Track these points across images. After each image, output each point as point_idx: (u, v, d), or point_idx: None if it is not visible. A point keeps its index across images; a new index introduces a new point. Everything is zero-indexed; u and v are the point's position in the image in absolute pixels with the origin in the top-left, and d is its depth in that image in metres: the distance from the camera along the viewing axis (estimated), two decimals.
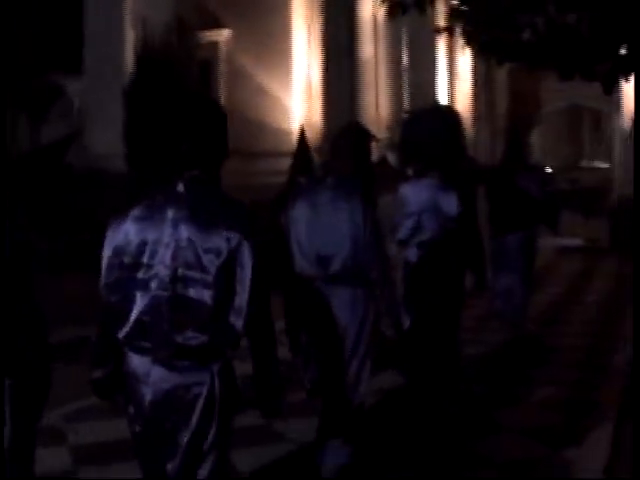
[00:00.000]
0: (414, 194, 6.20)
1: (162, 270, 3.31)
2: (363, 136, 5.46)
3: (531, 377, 8.26)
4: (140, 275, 3.34)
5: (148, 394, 3.34)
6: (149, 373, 3.34)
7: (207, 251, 3.28)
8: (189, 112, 3.50)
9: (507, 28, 5.39)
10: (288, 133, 22.24)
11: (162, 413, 3.36)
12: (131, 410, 3.44)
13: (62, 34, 17.17)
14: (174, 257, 3.30)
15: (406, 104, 20.44)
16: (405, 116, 20.25)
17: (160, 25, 16.53)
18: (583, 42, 5.30)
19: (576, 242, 19.42)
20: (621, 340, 9.80)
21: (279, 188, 8.96)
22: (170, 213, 3.35)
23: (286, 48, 22.27)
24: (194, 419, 3.35)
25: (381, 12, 21.03)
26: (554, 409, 7.18)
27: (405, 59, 20.28)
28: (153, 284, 3.31)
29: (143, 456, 3.50)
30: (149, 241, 3.34)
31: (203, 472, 3.38)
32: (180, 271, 3.29)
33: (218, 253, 3.27)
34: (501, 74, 21.86)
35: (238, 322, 3.29)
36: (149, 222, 3.37)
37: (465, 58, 20.67)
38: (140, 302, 3.31)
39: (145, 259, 3.34)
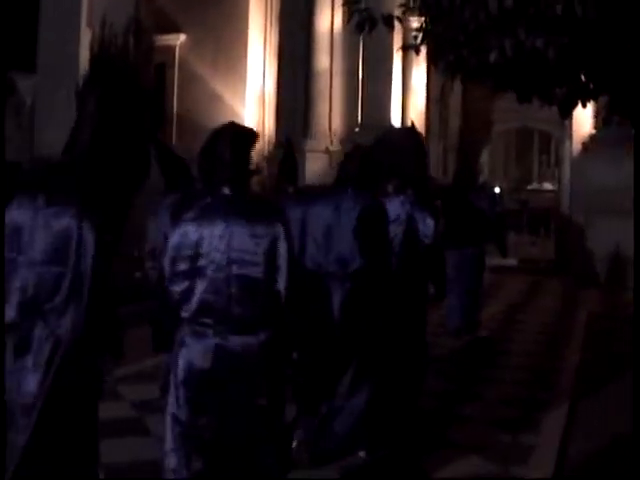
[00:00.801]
0: (391, 209, 6.61)
1: (218, 256, 4.13)
2: (366, 158, 6.31)
3: (479, 395, 8.38)
4: (200, 263, 4.13)
5: (208, 361, 4.12)
6: (209, 344, 4.12)
7: (253, 237, 4.16)
8: (237, 139, 4.36)
9: (475, 49, 5.52)
10: None
11: (219, 378, 4.14)
12: (185, 375, 4.17)
13: (16, 30, 17.00)
14: (228, 244, 4.13)
15: (360, 117, 20.58)
16: (357, 130, 20.46)
17: (117, 26, 16.48)
18: (548, 66, 5.46)
19: (510, 262, 19.49)
20: (565, 359, 10.03)
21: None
22: (221, 211, 4.19)
23: (241, 56, 22.34)
24: (246, 380, 4.15)
25: (338, 24, 21.21)
26: (503, 426, 7.27)
27: (360, 72, 20.42)
28: (210, 269, 4.12)
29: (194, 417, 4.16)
30: (205, 235, 4.14)
31: (262, 430, 4.14)
32: (234, 255, 4.13)
33: (262, 238, 4.16)
34: (455, 91, 22.14)
35: (283, 289, 4.18)
36: (204, 220, 4.17)
37: (419, 73, 20.90)
38: (200, 286, 4.11)
39: (203, 250, 4.13)
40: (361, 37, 19.80)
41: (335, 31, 21.27)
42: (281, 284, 4.18)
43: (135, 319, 11.08)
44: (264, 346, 4.15)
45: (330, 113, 21.36)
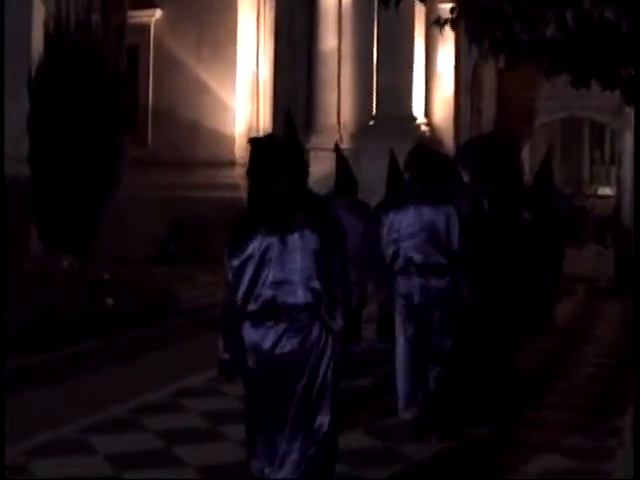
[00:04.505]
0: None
1: (410, 229, 7.84)
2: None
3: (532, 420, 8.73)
4: (402, 232, 7.86)
5: (417, 296, 7.83)
6: (415, 283, 7.85)
7: (438, 214, 7.81)
8: (424, 157, 8.21)
9: (528, 22, 5.44)
10: (230, 139, 22.23)
11: (423, 306, 7.83)
12: (401, 309, 7.98)
13: None
14: (421, 221, 7.78)
15: (374, 108, 20.51)
16: (372, 124, 20.35)
17: (77, 1, 16.43)
18: (619, 41, 5.37)
19: None
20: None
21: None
22: (414, 199, 7.93)
23: (230, 36, 22.28)
24: (441, 305, 7.86)
25: None
26: (562, 453, 7.68)
27: (375, 55, 20.38)
28: (416, 237, 7.82)
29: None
30: (404, 215, 7.88)
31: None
32: (425, 226, 7.78)
33: (441, 215, 7.80)
34: (488, 77, 22.12)
35: (458, 247, 7.84)
36: (404, 210, 7.91)
37: (446, 56, 20.86)
38: (404, 246, 7.85)
39: (404, 224, 7.86)
40: (375, 13, 19.78)
41: (344, 6, 21.27)
42: (455, 244, 7.79)
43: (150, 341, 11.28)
44: (449, 284, 7.80)
45: (339, 104, 21.32)
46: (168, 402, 8.96)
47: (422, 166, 8.08)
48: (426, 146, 9.27)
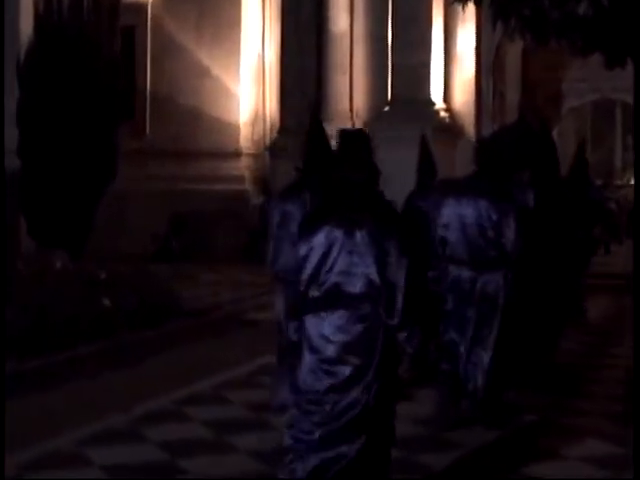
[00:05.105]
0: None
1: (465, 220, 8.35)
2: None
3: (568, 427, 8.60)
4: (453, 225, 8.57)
5: (466, 289, 8.30)
6: (463, 275, 8.34)
7: (494, 210, 8.26)
8: (483, 154, 8.74)
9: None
10: (235, 127, 22.20)
11: (465, 300, 8.33)
12: (451, 304, 8.46)
13: None
14: (479, 214, 8.28)
15: (390, 92, 20.45)
16: (387, 109, 20.28)
17: None
18: None
19: None
20: None
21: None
22: (469, 193, 8.42)
23: (234, 17, 22.28)
24: (489, 298, 8.31)
25: None
26: (592, 462, 7.60)
27: (390, 35, 20.34)
28: (468, 229, 8.33)
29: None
30: (462, 210, 8.43)
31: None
32: (483, 218, 8.26)
33: (495, 212, 8.25)
34: (512, 58, 22.08)
35: (512, 248, 8.27)
36: (464, 201, 8.41)
37: (466, 36, 20.80)
38: (455, 236, 8.43)
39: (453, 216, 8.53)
40: None
41: None
42: (508, 245, 8.21)
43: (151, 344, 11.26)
44: (497, 280, 8.25)
45: (351, 89, 21.27)
46: (171, 410, 8.90)
47: (488, 162, 8.56)
48: (490, 141, 9.85)
